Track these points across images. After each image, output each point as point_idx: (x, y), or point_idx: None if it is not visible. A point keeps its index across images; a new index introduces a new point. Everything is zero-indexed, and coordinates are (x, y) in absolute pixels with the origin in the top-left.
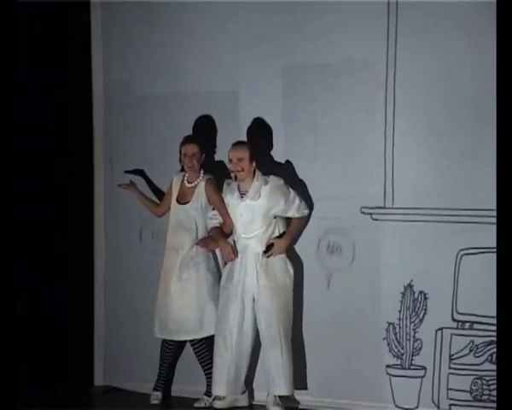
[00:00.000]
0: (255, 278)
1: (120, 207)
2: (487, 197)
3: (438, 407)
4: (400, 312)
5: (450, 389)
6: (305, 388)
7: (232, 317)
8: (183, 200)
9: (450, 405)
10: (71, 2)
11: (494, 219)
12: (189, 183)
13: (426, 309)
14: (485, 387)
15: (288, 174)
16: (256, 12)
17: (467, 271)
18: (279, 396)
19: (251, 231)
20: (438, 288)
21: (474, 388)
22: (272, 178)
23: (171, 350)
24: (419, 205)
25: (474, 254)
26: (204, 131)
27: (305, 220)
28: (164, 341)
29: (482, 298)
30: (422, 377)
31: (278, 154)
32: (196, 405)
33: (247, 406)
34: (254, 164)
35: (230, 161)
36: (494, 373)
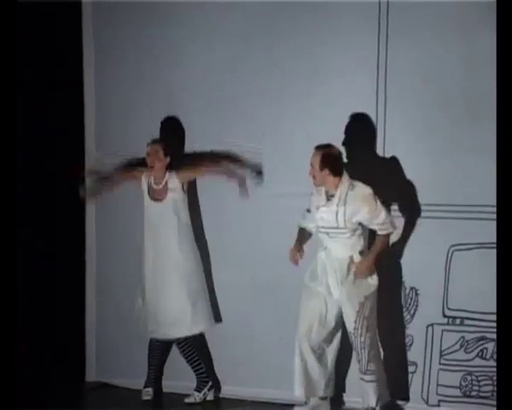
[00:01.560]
0: (336, 283)
1: (112, 203)
2: (479, 193)
3: (427, 402)
4: None
5: (440, 385)
6: None
7: (310, 316)
8: (154, 198)
9: (439, 401)
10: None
11: (486, 215)
12: (155, 184)
13: (417, 305)
14: (474, 383)
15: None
16: (248, 10)
17: (458, 267)
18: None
19: (333, 234)
20: (429, 284)
21: (463, 383)
22: (359, 185)
23: (159, 348)
24: None
25: (465, 249)
26: (170, 132)
27: (388, 238)
28: (151, 340)
29: (473, 294)
30: (413, 372)
31: (269, 148)
32: (187, 401)
33: None
34: (327, 172)
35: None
36: (484, 369)
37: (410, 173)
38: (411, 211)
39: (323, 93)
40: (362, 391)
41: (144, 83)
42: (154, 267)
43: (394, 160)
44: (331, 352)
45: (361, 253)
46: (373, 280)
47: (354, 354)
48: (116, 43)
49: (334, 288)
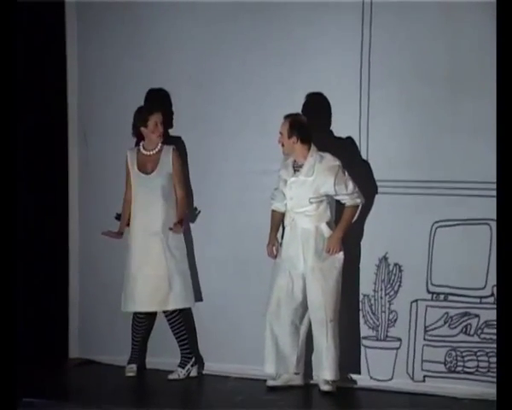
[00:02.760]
0: (301, 256)
1: (95, 182)
2: (462, 169)
3: (412, 378)
4: (375, 284)
5: (425, 361)
6: None
7: (277, 292)
8: (144, 170)
9: (425, 376)
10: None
11: (469, 191)
12: (146, 150)
13: (401, 281)
14: (459, 358)
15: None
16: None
17: (441, 243)
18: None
19: (300, 206)
20: (412, 260)
21: (448, 359)
22: (328, 157)
23: (142, 323)
24: (394, 177)
25: (448, 226)
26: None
27: (356, 210)
28: (134, 314)
29: (456, 270)
30: (397, 348)
31: (253, 126)
32: (170, 377)
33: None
34: (295, 139)
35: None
36: (468, 345)
37: (394, 150)
38: (368, 189)
39: (307, 73)
40: (317, 365)
41: (127, 67)
42: (141, 243)
43: (350, 139)
44: (303, 328)
45: (328, 224)
46: (339, 255)
47: (316, 327)
48: (99, 28)
49: (298, 260)
